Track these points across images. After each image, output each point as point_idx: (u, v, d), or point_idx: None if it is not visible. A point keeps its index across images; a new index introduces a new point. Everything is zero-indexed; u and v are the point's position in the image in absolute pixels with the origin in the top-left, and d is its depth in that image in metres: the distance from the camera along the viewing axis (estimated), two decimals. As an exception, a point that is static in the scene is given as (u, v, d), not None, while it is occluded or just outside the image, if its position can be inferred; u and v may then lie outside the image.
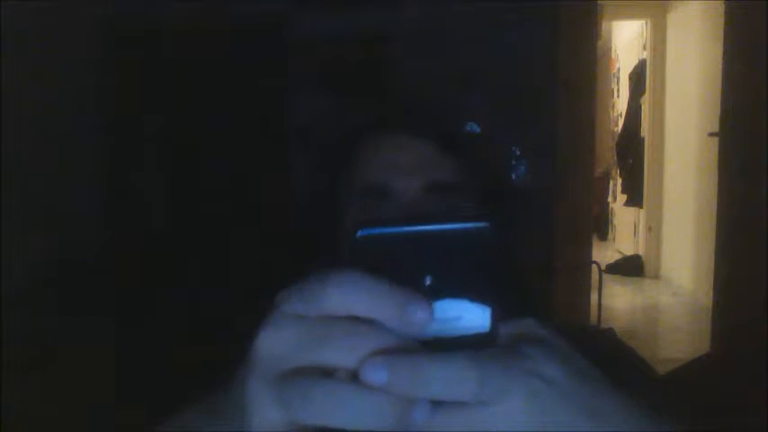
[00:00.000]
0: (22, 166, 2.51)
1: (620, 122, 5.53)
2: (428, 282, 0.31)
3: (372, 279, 0.30)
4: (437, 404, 0.30)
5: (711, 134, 2.99)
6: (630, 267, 4.90)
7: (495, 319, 0.32)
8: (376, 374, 0.28)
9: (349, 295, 0.30)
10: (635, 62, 5.22)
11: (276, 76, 2.70)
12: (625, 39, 5.67)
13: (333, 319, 0.30)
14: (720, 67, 2.86)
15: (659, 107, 4.77)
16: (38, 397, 1.88)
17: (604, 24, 5.16)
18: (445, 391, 0.29)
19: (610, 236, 6.05)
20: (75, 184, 2.73)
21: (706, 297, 3.29)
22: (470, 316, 0.32)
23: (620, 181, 5.52)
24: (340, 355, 0.29)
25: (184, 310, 2.20)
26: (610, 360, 0.38)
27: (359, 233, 0.31)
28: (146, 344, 2.08)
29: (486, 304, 0.32)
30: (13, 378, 1.84)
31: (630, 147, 5.19)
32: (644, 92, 4.96)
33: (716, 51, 3.09)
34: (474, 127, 0.75)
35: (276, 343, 0.31)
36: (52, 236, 2.54)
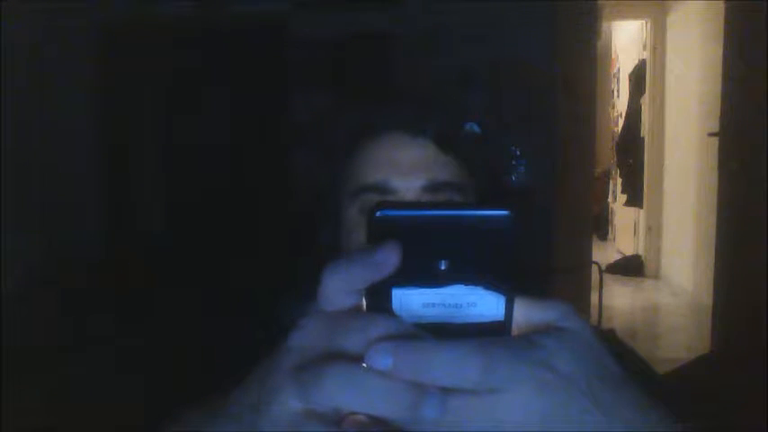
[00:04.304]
0: (22, 167, 2.50)
1: (620, 122, 5.53)
2: (443, 266, 0.31)
3: (351, 254, 0.31)
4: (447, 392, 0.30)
5: (711, 134, 2.99)
6: (630, 267, 4.90)
7: (510, 309, 0.32)
8: (381, 359, 0.29)
9: (336, 277, 0.31)
10: (635, 62, 5.21)
11: (276, 75, 2.70)
12: (625, 39, 5.67)
13: (351, 311, 0.32)
14: (720, 67, 2.86)
15: (659, 107, 4.77)
16: (39, 396, 1.88)
17: (604, 24, 5.16)
18: (449, 377, 0.29)
19: (610, 236, 6.04)
20: (75, 185, 2.73)
21: (706, 297, 3.29)
22: (485, 304, 0.32)
23: (620, 181, 5.51)
24: (352, 343, 0.30)
25: (185, 309, 2.20)
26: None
27: (377, 214, 0.31)
28: (147, 343, 2.08)
29: (502, 293, 0.32)
30: (13, 378, 1.84)
31: (630, 147, 5.18)
32: (644, 92, 4.95)
33: (716, 51, 3.09)
34: (474, 127, 0.75)
35: (304, 338, 0.32)
36: (52, 236, 2.54)
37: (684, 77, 4.32)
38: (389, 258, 0.30)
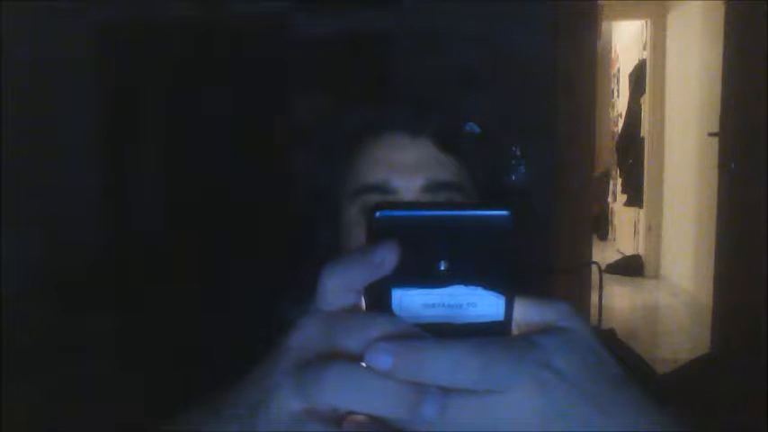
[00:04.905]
0: (22, 167, 2.50)
1: (620, 122, 5.53)
2: (443, 266, 0.31)
3: (349, 253, 0.31)
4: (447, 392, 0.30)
5: (711, 134, 2.99)
6: (630, 267, 4.90)
7: (510, 309, 0.32)
8: (380, 359, 0.29)
9: (334, 277, 0.32)
10: (635, 62, 5.22)
11: (276, 75, 2.70)
12: (625, 39, 5.67)
13: (350, 311, 0.32)
14: (720, 67, 2.86)
15: (659, 107, 4.77)
16: (39, 396, 1.88)
17: (604, 24, 5.16)
18: (448, 377, 0.29)
19: (610, 236, 6.05)
20: (75, 184, 2.73)
21: (706, 297, 3.29)
22: (485, 304, 0.32)
23: (620, 181, 5.51)
24: (352, 343, 0.30)
25: (185, 309, 2.20)
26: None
27: (376, 214, 0.31)
28: (146, 342, 2.08)
29: (502, 293, 0.32)
30: (13, 378, 1.84)
31: (630, 147, 5.18)
32: (644, 92, 4.96)
33: (716, 51, 3.09)
34: (474, 127, 0.75)
35: (303, 338, 0.32)
36: (52, 236, 2.54)
37: (684, 77, 4.32)
38: (387, 258, 0.30)
